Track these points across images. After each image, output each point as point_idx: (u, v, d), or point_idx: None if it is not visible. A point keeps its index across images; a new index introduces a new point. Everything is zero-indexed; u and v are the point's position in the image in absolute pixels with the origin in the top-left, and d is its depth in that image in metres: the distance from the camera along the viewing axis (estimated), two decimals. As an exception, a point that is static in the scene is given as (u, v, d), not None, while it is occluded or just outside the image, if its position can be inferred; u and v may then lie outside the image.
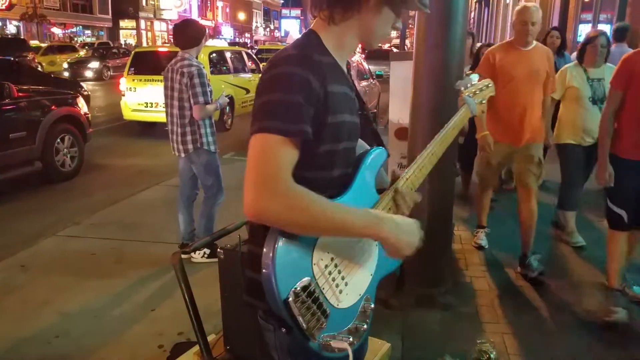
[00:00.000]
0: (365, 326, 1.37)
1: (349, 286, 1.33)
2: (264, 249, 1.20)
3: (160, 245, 4.62)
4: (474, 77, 1.79)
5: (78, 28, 41.99)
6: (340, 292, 1.30)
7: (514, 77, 3.82)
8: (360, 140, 1.50)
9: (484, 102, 1.81)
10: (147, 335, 3.29)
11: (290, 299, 1.18)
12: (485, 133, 3.95)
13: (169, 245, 4.37)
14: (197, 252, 4.22)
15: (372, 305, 1.40)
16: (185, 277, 2.07)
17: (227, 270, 2.22)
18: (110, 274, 4.12)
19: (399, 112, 4.49)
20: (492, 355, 2.60)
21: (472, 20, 30.38)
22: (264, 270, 1.19)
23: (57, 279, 4.04)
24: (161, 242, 4.70)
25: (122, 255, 4.49)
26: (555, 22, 12.86)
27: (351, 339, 1.29)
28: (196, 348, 2.31)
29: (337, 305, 1.29)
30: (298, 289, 1.20)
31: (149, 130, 10.51)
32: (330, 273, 1.28)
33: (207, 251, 4.22)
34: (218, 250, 2.32)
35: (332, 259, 1.29)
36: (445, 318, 3.39)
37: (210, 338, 2.29)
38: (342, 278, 1.31)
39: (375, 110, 10.43)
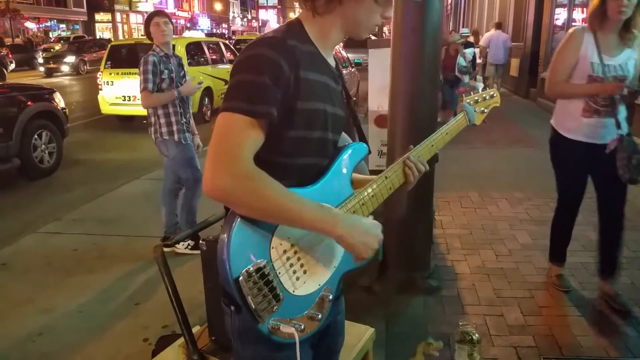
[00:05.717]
0: (320, 316, 1.36)
1: (308, 274, 1.33)
2: (222, 228, 1.23)
3: (142, 239, 4.60)
4: (479, 85, 1.77)
5: (52, 22, 41.22)
6: (298, 279, 1.30)
7: None
8: (343, 134, 1.50)
9: (485, 111, 1.77)
10: (132, 329, 3.28)
11: (241, 278, 1.19)
12: None
13: (152, 239, 4.35)
14: (181, 242, 4.20)
15: (331, 297, 1.39)
16: (168, 270, 2.07)
17: (210, 261, 2.22)
18: (93, 270, 4.10)
19: (378, 99, 4.50)
20: (474, 337, 2.63)
21: (449, 6, 30.43)
22: (219, 248, 1.21)
23: (39, 276, 4.01)
24: (144, 236, 4.67)
25: (105, 250, 4.46)
26: (532, 6, 12.94)
27: (303, 327, 1.29)
28: (181, 340, 2.31)
29: (293, 291, 1.30)
30: (251, 269, 1.21)
31: (127, 123, 10.41)
32: (288, 259, 1.28)
33: (192, 243, 4.21)
34: (200, 241, 2.32)
35: (292, 246, 1.29)
36: (428, 302, 3.43)
37: (195, 329, 2.29)
38: (301, 265, 1.31)
39: (355, 99, 10.44)
